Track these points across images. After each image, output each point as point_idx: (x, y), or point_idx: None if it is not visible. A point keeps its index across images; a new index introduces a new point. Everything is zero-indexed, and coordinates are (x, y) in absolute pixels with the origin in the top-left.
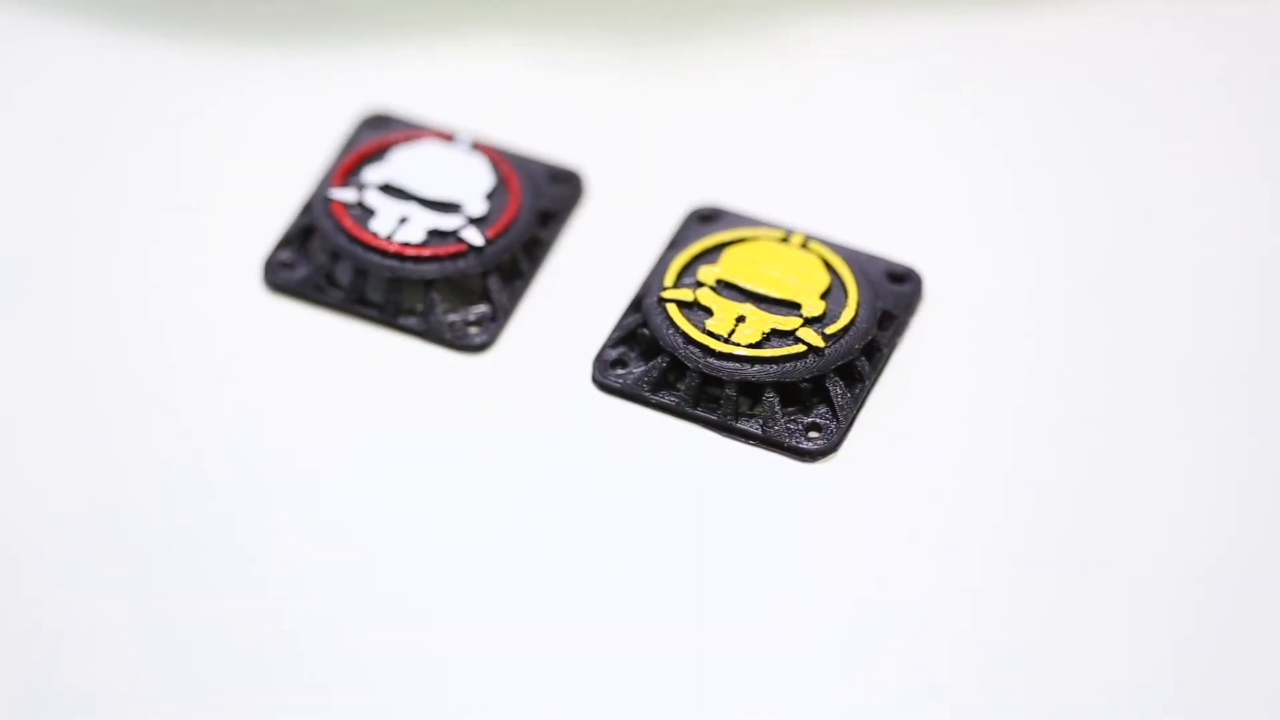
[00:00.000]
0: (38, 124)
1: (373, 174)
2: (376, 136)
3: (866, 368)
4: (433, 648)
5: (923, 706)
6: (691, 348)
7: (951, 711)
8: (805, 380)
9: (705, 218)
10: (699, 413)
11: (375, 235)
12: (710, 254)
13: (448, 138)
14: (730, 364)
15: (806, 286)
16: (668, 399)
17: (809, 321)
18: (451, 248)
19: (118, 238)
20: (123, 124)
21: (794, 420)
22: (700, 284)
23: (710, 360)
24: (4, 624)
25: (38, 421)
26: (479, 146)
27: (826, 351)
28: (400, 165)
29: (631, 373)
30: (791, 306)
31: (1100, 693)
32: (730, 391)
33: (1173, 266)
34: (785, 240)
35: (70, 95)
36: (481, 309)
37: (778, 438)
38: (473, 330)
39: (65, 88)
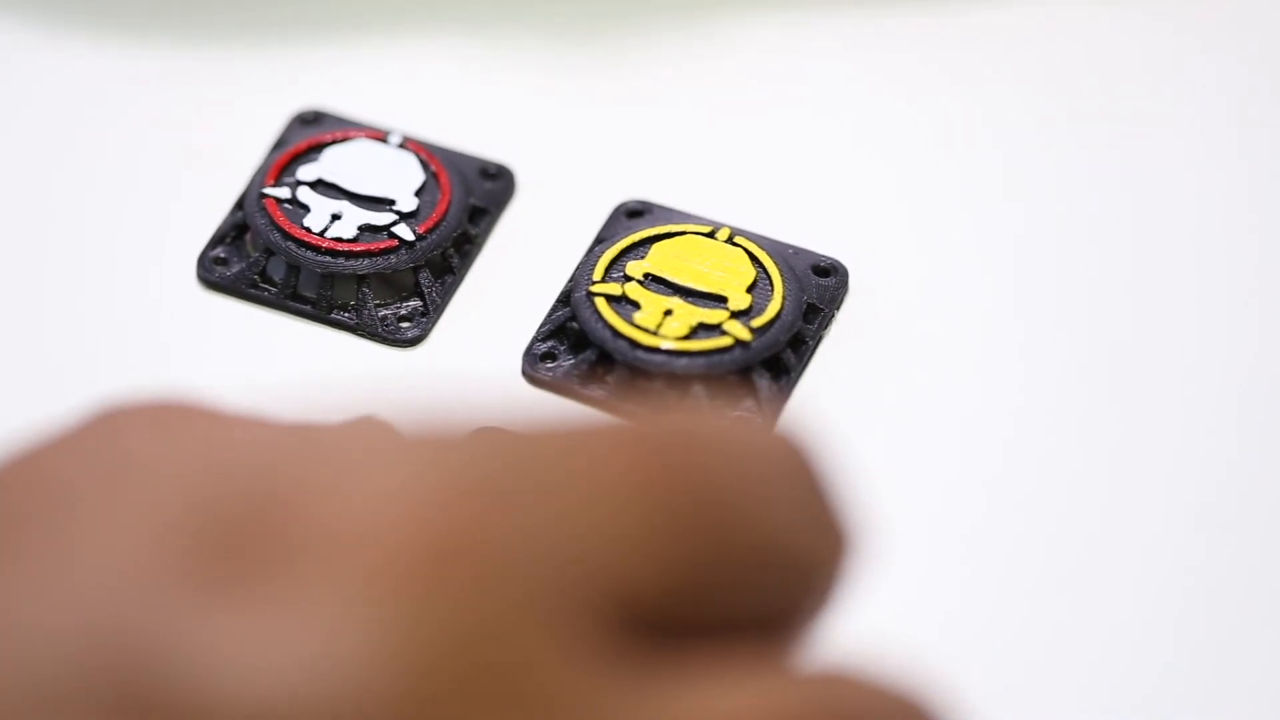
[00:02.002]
0: None
1: (305, 171)
2: (309, 134)
3: (792, 360)
4: None
5: None
6: (620, 341)
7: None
8: (732, 373)
9: (633, 213)
10: (627, 405)
11: (308, 231)
12: (638, 248)
13: (380, 135)
14: (658, 357)
15: (733, 280)
16: (596, 392)
17: (735, 315)
18: (383, 243)
19: (49, 235)
20: (52, 122)
21: (721, 413)
22: (628, 278)
23: (638, 353)
24: None
25: None
26: (410, 143)
27: (753, 344)
28: (333, 162)
29: (561, 366)
30: (718, 300)
31: (1039, 680)
32: (658, 384)
33: (1100, 257)
34: (712, 235)
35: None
36: (413, 304)
37: None
38: (405, 325)
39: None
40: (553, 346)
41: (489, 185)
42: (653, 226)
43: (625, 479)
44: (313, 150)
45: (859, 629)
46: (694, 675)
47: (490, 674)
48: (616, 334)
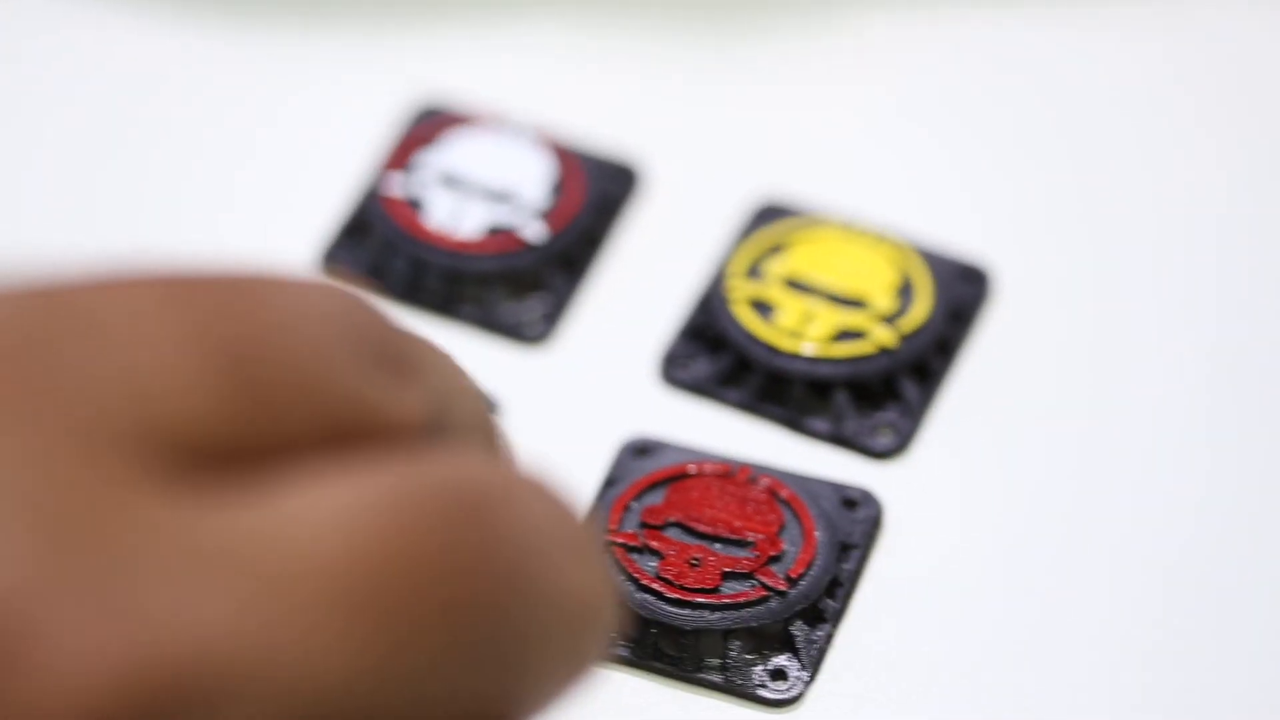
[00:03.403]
0: (88, 112)
1: (428, 165)
2: (432, 126)
3: (940, 366)
4: None
5: (1007, 711)
6: (758, 346)
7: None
8: (877, 379)
9: (772, 211)
10: (766, 409)
11: (431, 228)
12: (777, 249)
13: (505, 127)
14: (799, 363)
15: (877, 283)
16: (734, 396)
17: (880, 319)
18: (509, 241)
19: (169, 229)
20: (173, 114)
21: (865, 419)
22: (768, 279)
23: (778, 359)
24: None
25: None
26: (537, 137)
27: (899, 351)
28: (456, 156)
29: (697, 368)
30: (863, 303)
31: (1180, 685)
32: (799, 390)
33: (1263, 268)
34: (854, 235)
35: (119, 84)
36: (541, 302)
37: (848, 436)
38: (532, 323)
39: (116, 75)
40: (689, 349)
41: (621, 180)
42: (793, 225)
43: (177, 321)
44: (436, 142)
45: (1003, 630)
46: (279, 489)
47: (30, 496)
48: (755, 338)
